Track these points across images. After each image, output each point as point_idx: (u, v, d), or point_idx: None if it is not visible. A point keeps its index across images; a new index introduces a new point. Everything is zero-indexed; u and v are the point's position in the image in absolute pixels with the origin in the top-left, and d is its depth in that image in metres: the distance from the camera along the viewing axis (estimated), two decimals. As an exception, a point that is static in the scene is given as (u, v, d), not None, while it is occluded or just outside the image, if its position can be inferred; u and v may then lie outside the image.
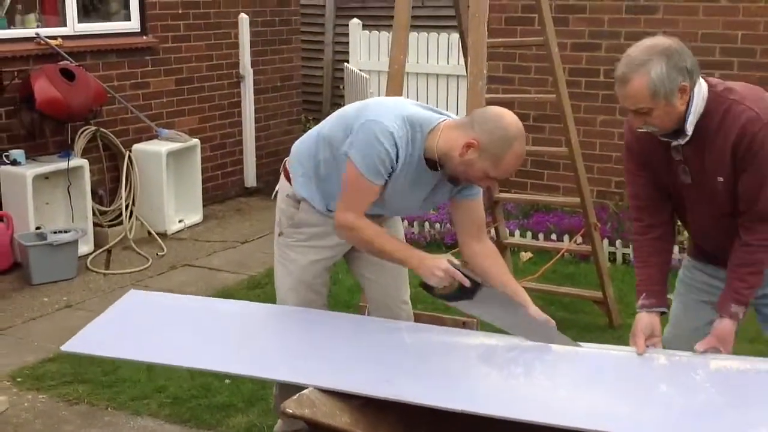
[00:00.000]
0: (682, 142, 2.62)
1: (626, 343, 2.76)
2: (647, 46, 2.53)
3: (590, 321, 4.56)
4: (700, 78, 2.59)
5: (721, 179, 2.62)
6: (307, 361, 2.76)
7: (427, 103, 3.01)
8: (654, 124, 2.57)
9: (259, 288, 5.09)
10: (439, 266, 2.67)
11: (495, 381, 2.62)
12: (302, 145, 3.00)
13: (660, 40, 2.55)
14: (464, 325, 3.11)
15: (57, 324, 4.57)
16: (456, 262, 2.71)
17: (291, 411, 2.46)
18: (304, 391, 2.54)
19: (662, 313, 2.78)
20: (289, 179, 3.00)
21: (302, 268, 3.02)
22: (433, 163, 2.73)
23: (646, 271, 2.80)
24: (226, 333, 3.01)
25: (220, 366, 2.87)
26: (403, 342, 2.88)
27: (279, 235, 3.07)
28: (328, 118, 2.96)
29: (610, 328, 4.41)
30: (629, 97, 2.54)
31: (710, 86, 2.61)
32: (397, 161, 2.69)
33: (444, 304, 2.79)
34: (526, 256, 5.57)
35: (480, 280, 2.72)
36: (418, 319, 3.28)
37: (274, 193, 3.14)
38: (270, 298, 3.45)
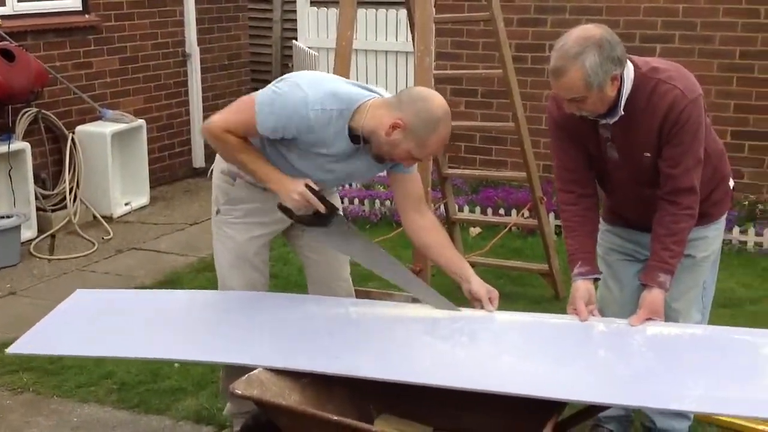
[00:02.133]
0: (611, 121, 2.71)
1: (571, 314, 2.81)
2: (579, 37, 2.59)
3: (537, 293, 4.62)
4: (627, 60, 2.66)
5: (647, 155, 2.74)
6: (255, 343, 2.77)
7: (376, 81, 3.01)
8: (587, 110, 2.67)
9: (208, 270, 5.01)
10: (296, 189, 2.70)
11: (440, 351, 2.65)
12: None
13: (591, 31, 2.61)
14: (414, 301, 3.12)
15: (1, 311, 4.48)
16: (315, 187, 2.74)
17: (240, 392, 2.46)
18: (253, 371, 2.55)
19: (596, 280, 2.87)
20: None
21: (240, 245, 3.00)
22: (360, 139, 2.72)
23: (579, 240, 2.88)
24: (173, 322, 3.02)
25: (170, 354, 2.89)
26: (349, 318, 2.90)
27: (216, 213, 3.05)
28: None
29: (556, 300, 4.47)
30: (564, 89, 2.62)
31: (636, 67, 2.70)
32: (299, 131, 2.66)
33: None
34: (475, 231, 5.60)
35: (335, 208, 2.78)
36: (369, 296, 3.30)
37: (209, 171, 3.11)
38: (219, 280, 3.41)
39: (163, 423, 3.36)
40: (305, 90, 2.66)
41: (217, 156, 3.02)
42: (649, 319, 2.70)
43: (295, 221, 2.81)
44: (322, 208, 2.73)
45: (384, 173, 2.99)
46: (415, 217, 2.92)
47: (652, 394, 2.39)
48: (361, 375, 2.54)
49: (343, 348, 2.69)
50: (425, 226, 2.92)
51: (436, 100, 2.67)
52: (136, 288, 4.62)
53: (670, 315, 2.81)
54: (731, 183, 3.02)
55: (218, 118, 2.77)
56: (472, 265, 4.88)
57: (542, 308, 4.18)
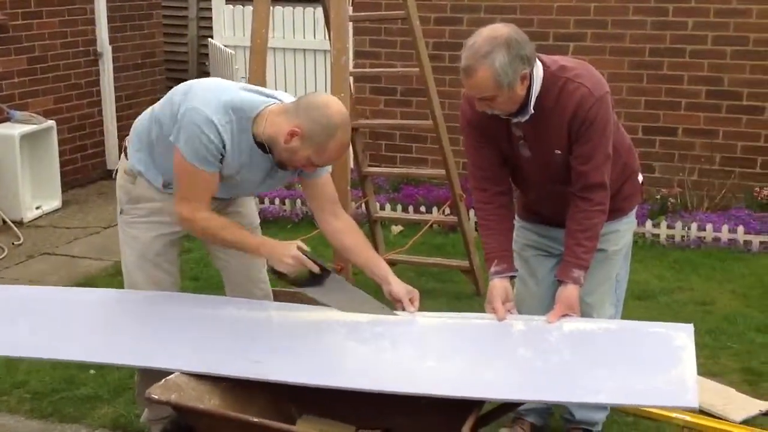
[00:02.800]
0: (522, 120, 2.74)
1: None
2: (489, 37, 2.61)
3: (459, 289, 4.66)
4: (536, 59, 2.70)
5: (558, 152, 2.78)
6: (172, 345, 2.72)
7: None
8: (498, 109, 2.70)
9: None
10: (289, 253, 2.70)
11: (363, 355, 2.65)
12: (139, 122, 2.95)
13: (500, 30, 2.63)
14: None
15: None
16: (306, 248, 2.74)
17: (157, 396, 2.41)
18: (170, 376, 2.50)
19: (512, 278, 2.89)
20: (127, 155, 2.95)
21: (144, 245, 2.95)
22: (264, 147, 2.71)
23: (495, 239, 2.91)
24: (87, 322, 2.93)
25: (83, 356, 2.80)
26: (271, 322, 2.86)
27: (120, 212, 3.01)
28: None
29: (477, 296, 4.51)
30: (474, 87, 2.65)
31: (545, 66, 2.74)
32: (224, 148, 2.67)
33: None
34: (396, 229, 5.62)
35: (330, 267, 2.77)
36: (291, 298, 3.26)
37: (114, 171, 3.06)
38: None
39: (78, 432, 3.27)
40: (203, 111, 2.64)
41: (121, 156, 2.99)
42: (565, 315, 2.74)
43: (289, 283, 2.77)
44: (316, 269, 2.71)
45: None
46: (330, 220, 2.91)
47: (569, 390, 2.44)
48: (283, 380, 2.52)
49: (264, 352, 2.65)
50: (342, 229, 2.91)
51: (334, 106, 2.66)
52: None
53: (584, 309, 2.85)
54: (640, 177, 3.09)
55: (185, 207, 2.75)
56: (394, 263, 4.93)
57: (463, 304, 4.22)
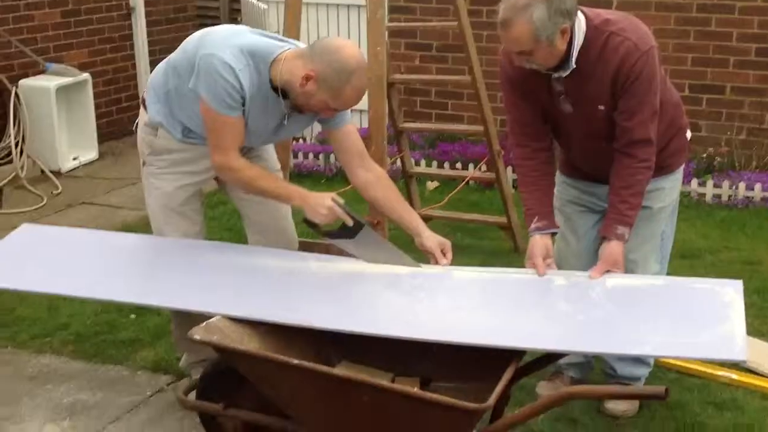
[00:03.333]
0: (563, 74, 2.69)
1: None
2: None
3: (495, 246, 4.65)
4: (579, 12, 2.64)
5: (601, 107, 2.73)
6: (212, 291, 2.73)
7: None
8: (537, 63, 2.65)
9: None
10: (324, 204, 2.70)
11: (401, 305, 2.64)
12: (155, 74, 2.96)
13: None
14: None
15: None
16: (340, 201, 2.73)
17: (199, 337, 2.44)
18: (212, 319, 2.52)
19: (553, 234, 2.86)
20: (146, 107, 2.94)
21: (168, 196, 2.97)
22: (281, 92, 2.70)
23: (535, 195, 2.88)
24: (127, 265, 2.95)
25: (125, 297, 2.82)
26: (308, 270, 2.85)
27: (143, 164, 3.02)
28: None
29: (514, 252, 4.50)
30: (511, 41, 2.60)
31: (588, 19, 2.68)
32: (243, 91, 2.66)
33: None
34: (432, 185, 5.60)
35: (363, 220, 2.76)
36: (313, 249, 3.24)
37: (135, 124, 3.07)
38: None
39: (120, 373, 3.31)
40: (220, 56, 2.62)
41: (141, 109, 2.99)
42: (608, 271, 2.71)
43: (322, 234, 2.78)
44: (349, 221, 2.71)
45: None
46: (360, 173, 2.90)
47: (612, 341, 2.42)
48: (321, 326, 2.52)
49: (303, 300, 2.66)
50: (372, 181, 2.90)
51: (349, 50, 2.63)
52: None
53: (627, 266, 2.82)
54: (688, 134, 3.03)
55: (220, 157, 2.75)
56: (429, 218, 4.92)
57: (500, 261, 4.20)
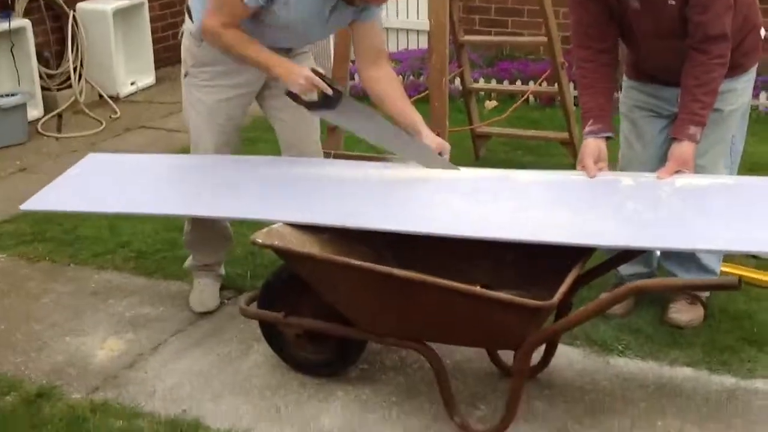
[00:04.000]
0: None
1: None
2: None
3: (557, 163, 4.51)
4: None
5: (672, 2, 2.62)
6: (271, 201, 2.74)
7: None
8: None
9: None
10: (302, 74, 2.67)
11: (463, 206, 2.60)
12: None
13: None
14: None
15: (12, 188, 4.42)
16: (320, 70, 2.72)
17: (260, 241, 2.44)
18: (273, 225, 2.52)
19: (608, 138, 2.77)
20: (191, 16, 2.90)
21: (210, 108, 2.95)
22: None
23: (593, 98, 2.80)
24: (189, 183, 2.98)
25: (190, 210, 2.87)
26: (367, 178, 2.84)
27: (185, 75, 3.00)
28: None
29: (575, 169, 4.37)
30: None
31: None
32: None
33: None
34: (490, 104, 5.48)
35: (341, 88, 2.74)
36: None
37: (180, 33, 3.04)
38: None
39: (181, 288, 3.33)
40: None
41: (186, 18, 2.95)
42: (677, 171, 2.63)
43: (303, 106, 2.77)
44: (329, 91, 2.69)
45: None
46: (370, 68, 2.87)
47: (683, 237, 2.35)
48: (384, 228, 2.50)
49: (363, 206, 2.64)
50: (379, 78, 2.87)
51: None
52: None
53: (696, 171, 2.73)
54: (762, 32, 2.89)
55: (213, 20, 2.71)
56: (488, 136, 4.81)
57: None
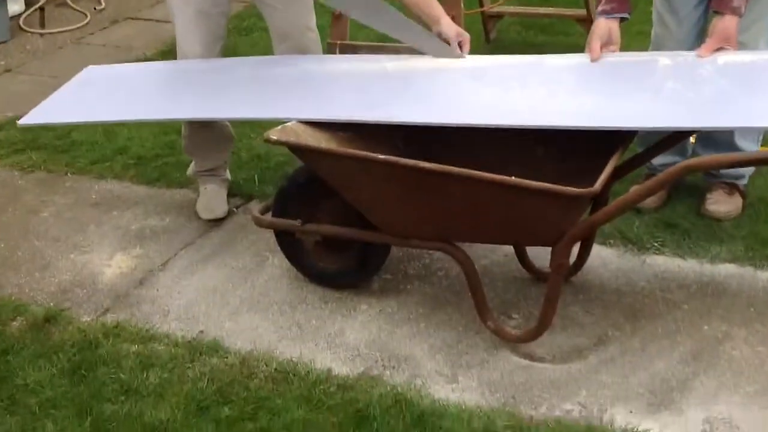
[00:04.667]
0: None
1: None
2: None
3: (573, 42, 4.27)
4: None
5: None
6: (286, 99, 2.57)
7: None
8: None
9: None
10: None
11: (490, 96, 2.41)
12: None
13: None
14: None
15: (-1, 90, 4.19)
16: None
17: (275, 137, 2.28)
18: (287, 123, 2.37)
19: (623, 20, 2.53)
20: None
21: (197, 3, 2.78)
22: None
23: None
24: (191, 86, 2.79)
25: (195, 113, 2.70)
26: (384, 71, 2.64)
27: None
28: None
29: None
30: None
31: None
32: None
33: None
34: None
35: None
36: (356, 50, 3.02)
37: None
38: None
39: (187, 196, 3.16)
40: None
41: None
42: (719, 49, 2.40)
43: None
44: None
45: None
46: None
47: (730, 116, 2.16)
48: (408, 121, 2.33)
49: (383, 99, 2.45)
50: None
51: None
52: (137, 60, 4.28)
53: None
54: None
55: None
56: (500, 15, 4.53)
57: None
